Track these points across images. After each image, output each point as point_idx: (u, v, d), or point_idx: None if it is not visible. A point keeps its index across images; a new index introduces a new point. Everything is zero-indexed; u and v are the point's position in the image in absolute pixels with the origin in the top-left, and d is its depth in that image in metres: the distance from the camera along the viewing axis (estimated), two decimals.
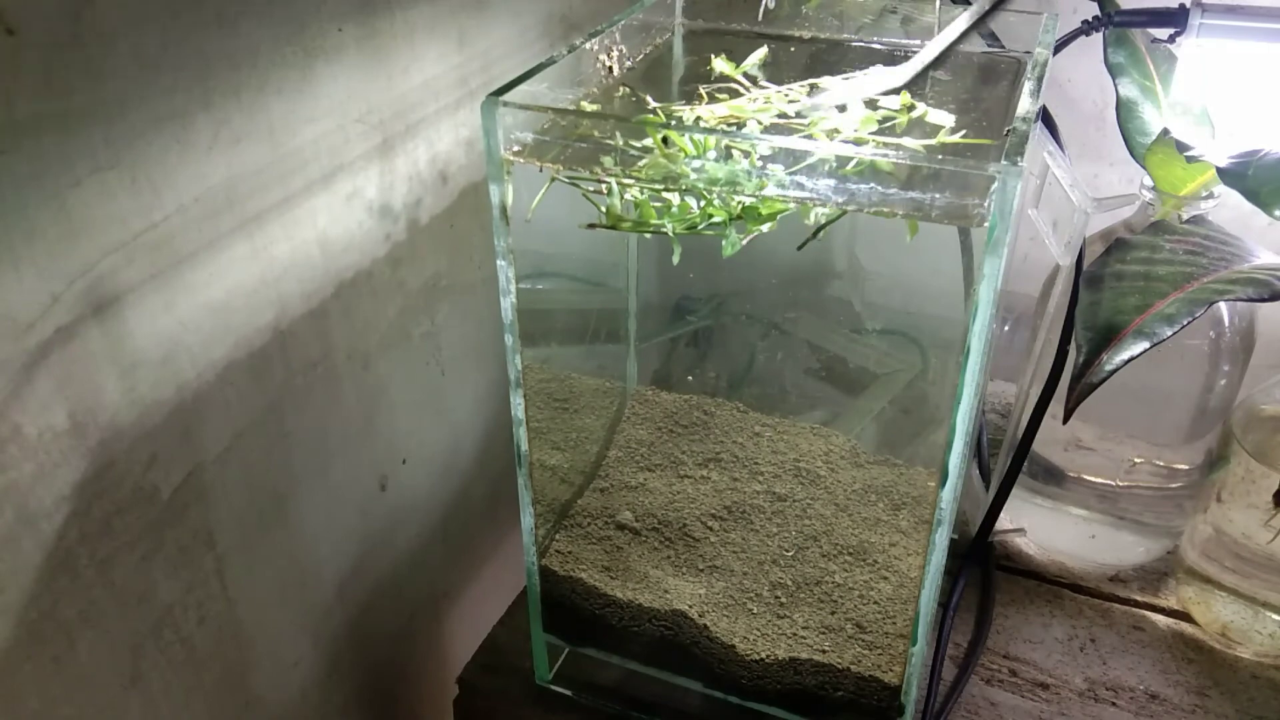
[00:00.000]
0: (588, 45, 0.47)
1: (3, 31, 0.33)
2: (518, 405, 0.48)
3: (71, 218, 0.36)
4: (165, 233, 0.41)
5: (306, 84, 0.46)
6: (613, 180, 0.39)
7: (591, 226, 0.41)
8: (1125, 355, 0.45)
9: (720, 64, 0.47)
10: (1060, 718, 0.54)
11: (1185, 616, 0.60)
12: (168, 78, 0.39)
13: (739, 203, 0.39)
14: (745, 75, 0.47)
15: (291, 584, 0.54)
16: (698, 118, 0.44)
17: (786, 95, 0.45)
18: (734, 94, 0.46)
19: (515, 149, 0.40)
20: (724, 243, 0.39)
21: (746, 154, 0.37)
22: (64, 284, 0.37)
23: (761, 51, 0.47)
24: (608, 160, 0.39)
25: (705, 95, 0.46)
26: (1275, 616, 0.55)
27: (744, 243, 0.40)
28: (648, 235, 0.41)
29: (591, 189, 0.41)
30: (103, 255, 0.38)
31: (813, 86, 0.47)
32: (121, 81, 0.37)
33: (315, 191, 0.48)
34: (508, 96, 0.40)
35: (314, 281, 0.50)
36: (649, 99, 0.45)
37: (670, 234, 0.41)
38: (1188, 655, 0.57)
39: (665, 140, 0.38)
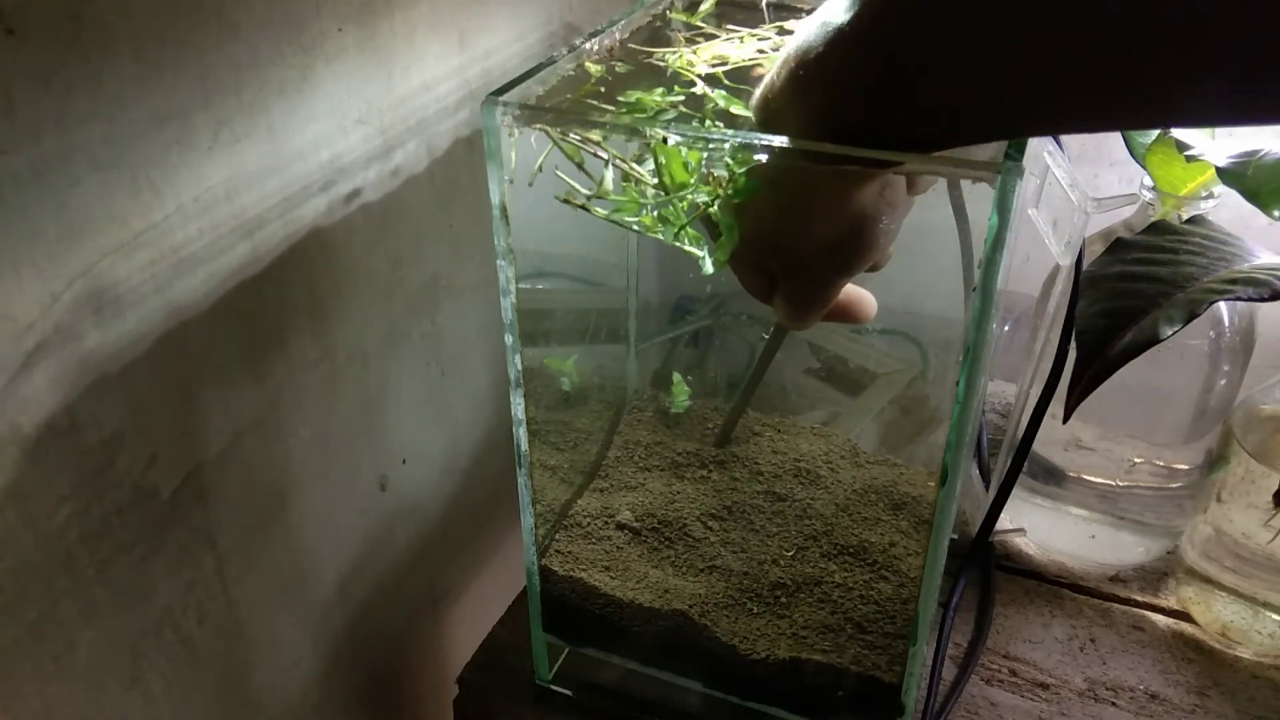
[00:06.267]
0: (588, 45, 0.47)
1: (3, 31, 0.33)
2: (518, 405, 0.48)
3: (71, 218, 0.36)
4: (165, 232, 0.41)
5: (306, 84, 0.46)
6: (616, 161, 0.40)
7: (574, 206, 0.41)
8: (1125, 355, 0.45)
9: (673, 15, 0.50)
10: (1060, 718, 0.54)
11: (1185, 616, 0.60)
12: (168, 77, 0.39)
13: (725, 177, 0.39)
14: (702, 22, 0.50)
15: (291, 584, 0.54)
16: (688, 62, 0.45)
17: (757, 36, 0.47)
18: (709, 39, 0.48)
19: (515, 113, 0.40)
20: (713, 258, 0.40)
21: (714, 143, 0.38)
22: (64, 284, 0.37)
23: (710, 0, 0.51)
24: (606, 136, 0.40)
25: (683, 39, 0.48)
26: (1275, 616, 0.55)
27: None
28: (629, 228, 0.41)
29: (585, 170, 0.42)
30: (102, 255, 0.38)
31: (780, 29, 0.48)
32: (121, 81, 0.37)
33: (315, 191, 0.48)
34: (507, 96, 0.40)
35: (314, 281, 0.50)
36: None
37: (661, 228, 0.41)
38: (1188, 655, 0.57)
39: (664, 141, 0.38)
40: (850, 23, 0.31)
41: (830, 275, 0.39)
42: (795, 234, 0.37)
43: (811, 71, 0.33)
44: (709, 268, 0.39)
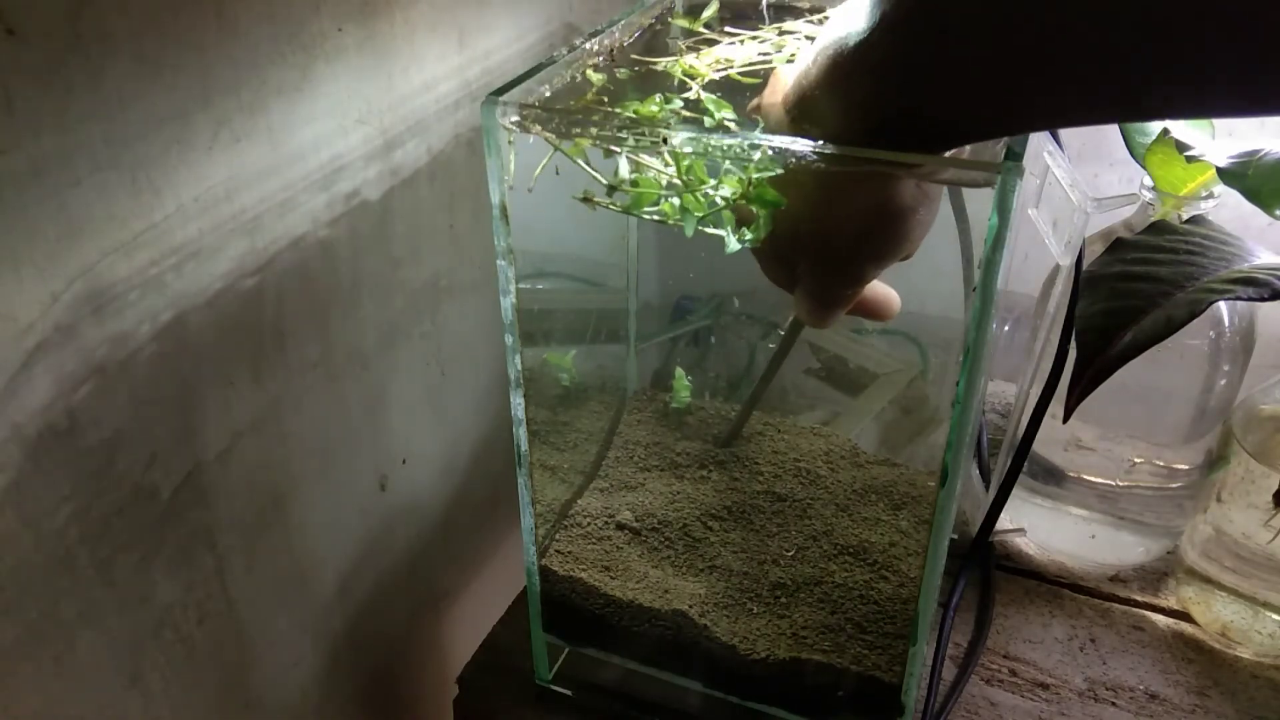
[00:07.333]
0: (588, 45, 0.47)
1: (3, 31, 0.33)
2: (518, 405, 0.48)
3: (71, 218, 0.36)
4: (165, 232, 0.41)
5: (306, 84, 0.46)
6: (625, 152, 0.40)
7: (594, 205, 0.41)
8: (1125, 355, 0.45)
9: (675, 21, 0.50)
10: (1060, 718, 0.54)
11: (1185, 616, 0.60)
12: (168, 77, 0.39)
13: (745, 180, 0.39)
14: (705, 27, 0.50)
15: (291, 584, 0.54)
16: (690, 66, 0.45)
17: (758, 39, 0.48)
18: (713, 44, 0.48)
19: (515, 114, 0.40)
20: (729, 239, 0.39)
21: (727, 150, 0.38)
22: (64, 284, 0.37)
23: (714, 4, 0.51)
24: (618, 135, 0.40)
25: (684, 47, 0.48)
26: (1275, 616, 0.55)
27: (738, 244, 0.40)
28: (648, 219, 0.41)
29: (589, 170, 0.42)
30: (102, 255, 0.38)
31: (780, 30, 0.48)
32: (121, 81, 0.37)
33: (315, 191, 0.48)
34: (507, 96, 0.40)
35: (314, 281, 0.50)
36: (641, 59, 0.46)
37: (673, 216, 0.41)
38: (1188, 655, 0.57)
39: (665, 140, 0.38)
40: (889, 13, 0.31)
41: (862, 270, 0.39)
42: (831, 228, 0.37)
43: (851, 63, 0.33)
44: (733, 245, 0.39)
